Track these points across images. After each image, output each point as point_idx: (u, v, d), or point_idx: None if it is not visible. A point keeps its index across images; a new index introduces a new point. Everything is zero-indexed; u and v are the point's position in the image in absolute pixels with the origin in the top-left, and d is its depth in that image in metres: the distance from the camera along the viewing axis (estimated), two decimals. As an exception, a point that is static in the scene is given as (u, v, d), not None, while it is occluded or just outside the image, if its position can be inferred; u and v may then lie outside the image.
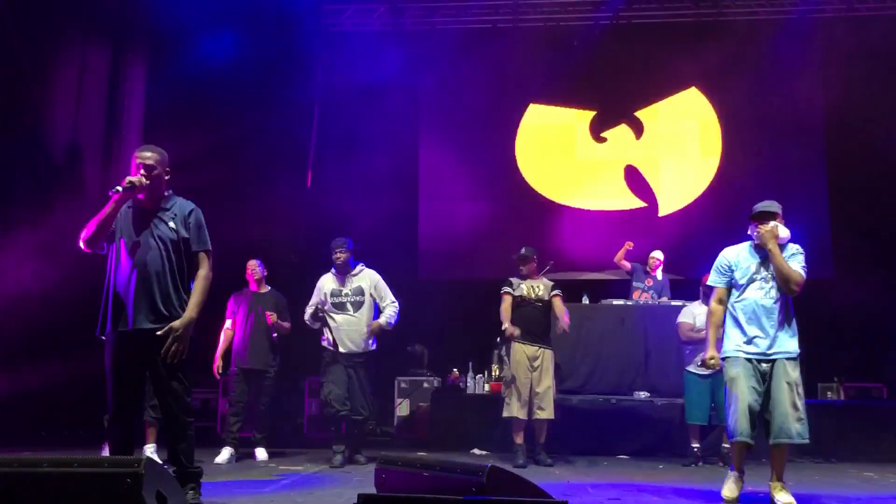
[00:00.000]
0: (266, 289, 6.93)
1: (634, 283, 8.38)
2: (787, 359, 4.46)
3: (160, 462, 5.35)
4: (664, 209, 9.80)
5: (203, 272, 3.96)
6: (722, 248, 9.04)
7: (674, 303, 7.95)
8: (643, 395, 7.44)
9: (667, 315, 7.76)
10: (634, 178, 9.91)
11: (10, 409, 7.31)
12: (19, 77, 8.01)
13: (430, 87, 10.30)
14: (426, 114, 10.31)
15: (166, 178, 4.00)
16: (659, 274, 8.38)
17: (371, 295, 6.34)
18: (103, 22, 9.01)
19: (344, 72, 9.80)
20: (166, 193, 4.03)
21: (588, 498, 4.61)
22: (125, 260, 3.87)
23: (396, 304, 6.37)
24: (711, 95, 9.90)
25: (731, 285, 4.66)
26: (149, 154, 3.94)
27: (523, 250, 6.60)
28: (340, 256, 6.34)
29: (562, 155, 10.08)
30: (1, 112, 7.85)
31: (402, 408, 8.55)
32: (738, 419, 4.41)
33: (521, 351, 6.40)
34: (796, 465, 6.49)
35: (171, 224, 3.93)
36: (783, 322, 4.49)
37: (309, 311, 6.38)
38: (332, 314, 6.30)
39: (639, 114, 9.98)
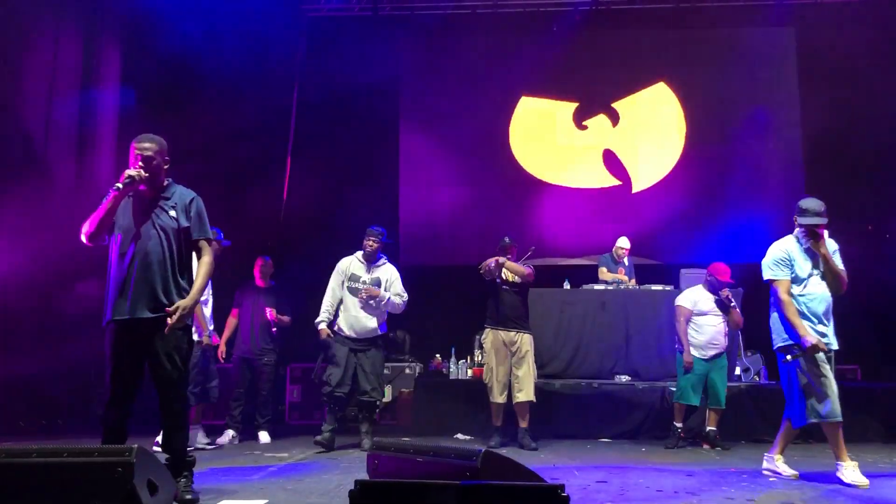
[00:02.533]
0: (270, 284, 7.25)
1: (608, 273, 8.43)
2: (836, 350, 4.81)
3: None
4: (637, 187, 9.95)
5: (205, 259, 3.99)
6: (697, 234, 9.20)
7: (654, 287, 8.03)
8: (624, 378, 7.51)
9: (647, 299, 7.87)
10: (611, 161, 10.04)
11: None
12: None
13: (410, 73, 10.28)
14: (406, 99, 10.27)
15: (165, 166, 3.99)
16: (626, 260, 8.49)
17: (386, 288, 6.40)
18: (76, 6, 8.84)
19: (324, 57, 9.74)
20: (166, 182, 4.02)
21: (575, 480, 4.66)
22: (126, 249, 3.88)
23: (405, 298, 6.44)
24: (678, 89, 9.99)
25: (793, 278, 4.81)
26: (147, 144, 3.92)
27: (506, 239, 6.64)
28: (374, 245, 6.41)
29: (543, 140, 10.12)
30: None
31: (385, 393, 8.55)
32: (835, 401, 4.62)
33: (498, 337, 6.46)
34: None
35: (172, 213, 3.95)
36: (833, 317, 4.86)
37: (324, 315, 6.40)
38: (346, 298, 6.39)
39: (615, 105, 10.07)
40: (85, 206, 8.33)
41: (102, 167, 9.11)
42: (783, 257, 4.83)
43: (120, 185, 3.80)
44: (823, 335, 4.71)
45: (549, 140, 10.14)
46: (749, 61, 9.73)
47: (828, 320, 4.78)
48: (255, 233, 9.30)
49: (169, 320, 3.79)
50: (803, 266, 4.79)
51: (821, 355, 4.65)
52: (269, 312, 6.97)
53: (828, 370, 4.66)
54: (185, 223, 3.96)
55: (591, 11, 9.89)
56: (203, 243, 4.01)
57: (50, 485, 3.20)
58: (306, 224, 9.35)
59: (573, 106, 10.11)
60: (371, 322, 6.32)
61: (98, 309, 7.04)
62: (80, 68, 9.01)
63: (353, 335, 6.31)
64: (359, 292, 6.32)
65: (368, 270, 6.42)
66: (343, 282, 6.41)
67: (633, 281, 8.31)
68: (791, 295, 4.77)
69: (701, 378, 6.48)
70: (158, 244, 3.88)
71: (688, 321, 6.55)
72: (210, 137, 8.96)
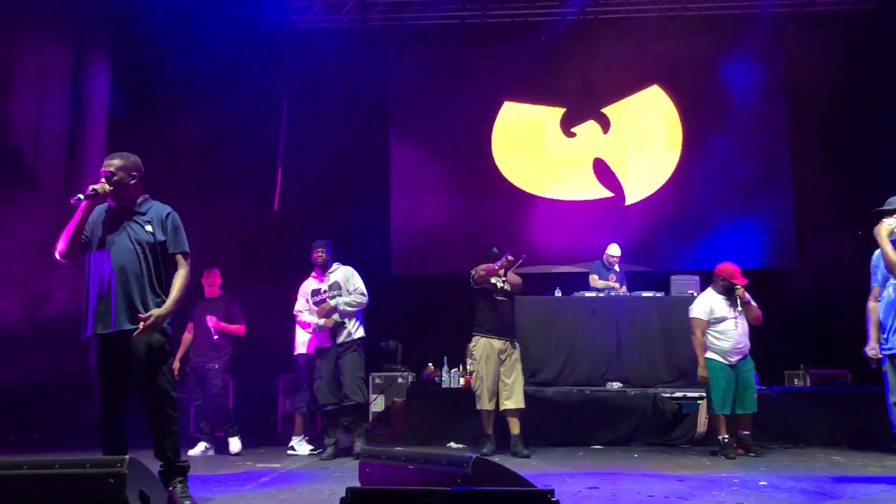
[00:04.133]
0: (218, 294, 7.23)
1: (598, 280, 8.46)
2: None
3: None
4: (630, 199, 9.95)
5: (181, 272, 4.04)
6: (688, 240, 9.26)
7: (645, 294, 8.06)
8: (616, 385, 7.53)
9: (638, 306, 7.90)
10: (602, 171, 10.04)
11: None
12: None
13: (400, 82, 10.31)
14: (396, 109, 10.30)
15: (132, 182, 4.03)
16: (617, 267, 8.51)
17: (346, 289, 6.50)
18: (65, 17, 8.85)
19: (313, 68, 9.76)
20: (140, 198, 4.09)
21: (566, 487, 4.67)
22: (103, 264, 3.93)
23: (363, 296, 6.52)
24: (672, 92, 10.02)
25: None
26: (111, 161, 4.00)
27: (494, 249, 6.67)
28: (321, 255, 6.59)
29: (532, 150, 10.14)
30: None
31: (377, 403, 8.54)
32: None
33: (490, 345, 6.48)
34: (766, 450, 6.64)
35: (148, 227, 4.01)
36: None
37: (312, 322, 6.55)
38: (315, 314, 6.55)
39: (605, 110, 10.10)
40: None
41: (92, 177, 9.10)
42: (873, 264, 4.88)
43: (81, 196, 3.85)
44: (886, 340, 4.65)
45: (538, 150, 10.17)
46: (736, 69, 9.79)
47: (891, 321, 4.61)
48: (247, 242, 9.34)
49: (140, 325, 3.81)
50: (882, 271, 4.73)
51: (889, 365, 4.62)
52: (210, 319, 6.98)
53: (891, 379, 4.59)
54: (161, 237, 4.02)
55: (579, 21, 9.95)
56: (179, 257, 4.06)
57: (41, 497, 3.19)
58: (298, 234, 9.35)
59: (560, 111, 10.13)
60: (341, 328, 6.44)
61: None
62: (69, 78, 9.02)
63: (327, 345, 6.46)
64: (318, 307, 6.48)
65: (323, 279, 6.58)
66: (307, 300, 6.61)
67: (624, 288, 8.33)
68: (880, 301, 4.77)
69: (730, 384, 6.27)
70: (135, 258, 3.93)
71: (704, 332, 6.36)
72: (200, 148, 8.98)
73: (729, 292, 6.37)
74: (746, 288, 6.39)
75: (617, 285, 8.32)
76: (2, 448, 6.70)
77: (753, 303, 6.41)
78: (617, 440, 7.12)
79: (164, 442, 3.94)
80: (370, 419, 8.50)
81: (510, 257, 6.33)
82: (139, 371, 3.91)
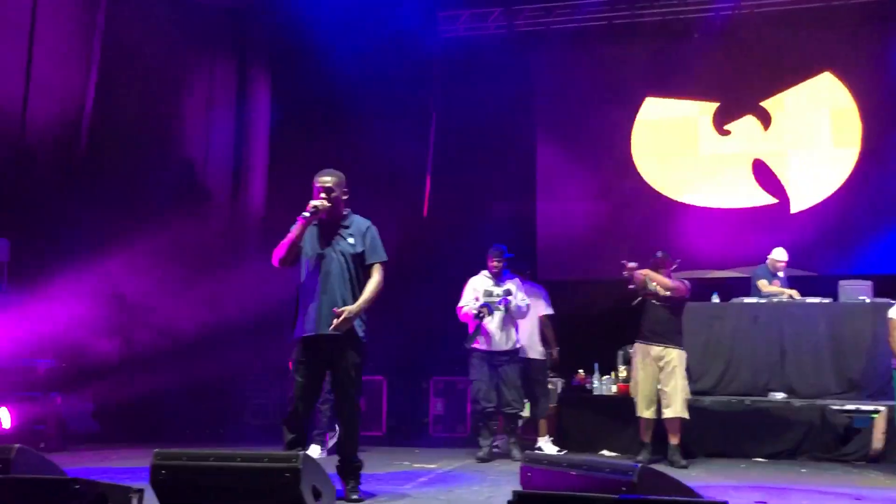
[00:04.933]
0: None
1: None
2: None
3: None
4: (796, 206, 9.34)
5: (376, 278, 4.38)
6: (858, 243, 8.62)
7: (808, 300, 7.62)
8: (779, 395, 7.16)
9: (804, 313, 7.47)
10: (763, 173, 9.49)
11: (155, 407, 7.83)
12: (155, 96, 8.51)
13: (546, 87, 10.28)
14: (542, 114, 10.27)
15: (344, 197, 4.40)
16: (781, 273, 8.05)
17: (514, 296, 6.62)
18: (230, 40, 9.47)
19: (461, 77, 9.92)
20: (345, 212, 4.43)
21: (731, 499, 4.43)
22: (311, 272, 4.32)
23: (528, 302, 6.70)
24: (847, 80, 9.30)
25: None
26: (328, 178, 4.35)
27: (660, 253, 6.51)
28: (498, 265, 6.70)
29: (684, 150, 9.81)
30: (138, 129, 8.34)
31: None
32: None
33: (644, 351, 6.40)
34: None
35: (350, 240, 4.35)
36: None
37: (469, 308, 6.63)
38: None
39: (765, 104, 9.58)
40: (239, 228, 8.97)
41: (255, 191, 9.68)
42: None
43: (306, 214, 4.22)
44: None
45: (690, 150, 9.79)
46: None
47: None
48: (396, 249, 9.57)
49: (335, 321, 4.16)
50: None
51: None
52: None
53: None
54: (360, 248, 4.35)
55: (734, 16, 9.54)
56: (376, 266, 4.39)
57: (224, 486, 3.43)
58: (445, 240, 9.52)
59: (713, 106, 9.68)
60: (506, 335, 6.57)
61: (253, 323, 7.51)
62: (235, 96, 9.64)
63: (497, 348, 6.54)
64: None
65: (497, 285, 6.70)
66: (477, 298, 6.65)
67: (796, 292, 7.84)
68: None
69: None
70: (339, 267, 4.29)
71: None
72: (353, 158, 9.30)
73: None
74: None
75: (793, 291, 7.83)
76: (184, 441, 7.19)
77: None
78: (781, 453, 6.77)
79: (345, 441, 4.36)
80: (519, 424, 8.52)
81: (629, 265, 6.31)
82: (337, 378, 4.30)
